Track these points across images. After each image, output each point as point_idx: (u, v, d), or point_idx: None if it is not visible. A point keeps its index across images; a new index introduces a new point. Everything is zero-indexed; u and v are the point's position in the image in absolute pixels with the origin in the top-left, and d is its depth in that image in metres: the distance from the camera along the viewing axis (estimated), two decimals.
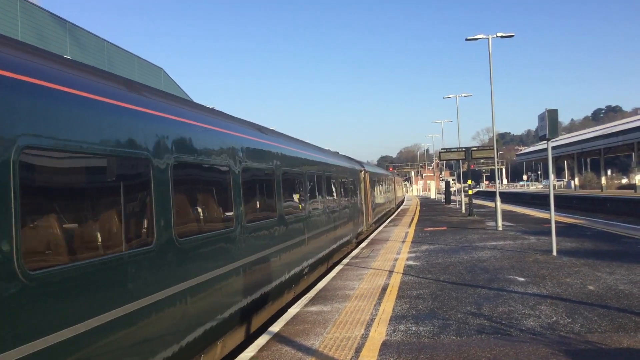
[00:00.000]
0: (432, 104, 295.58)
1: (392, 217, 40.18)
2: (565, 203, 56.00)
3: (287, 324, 9.38)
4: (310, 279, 14.78)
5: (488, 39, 26.68)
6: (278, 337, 8.55)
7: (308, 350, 7.74)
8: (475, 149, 34.39)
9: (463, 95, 46.21)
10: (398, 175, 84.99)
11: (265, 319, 10.69)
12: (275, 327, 9.17)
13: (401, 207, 55.86)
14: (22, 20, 24.14)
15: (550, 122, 14.82)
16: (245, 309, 9.00)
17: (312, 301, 11.12)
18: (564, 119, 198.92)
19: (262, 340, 8.46)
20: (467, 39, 27.46)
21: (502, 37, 26.91)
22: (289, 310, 10.48)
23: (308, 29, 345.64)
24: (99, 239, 5.38)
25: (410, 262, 15.57)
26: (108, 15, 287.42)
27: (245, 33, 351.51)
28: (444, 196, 62.36)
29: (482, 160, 75.29)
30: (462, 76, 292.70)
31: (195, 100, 23.02)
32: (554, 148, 75.38)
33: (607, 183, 75.41)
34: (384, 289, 11.83)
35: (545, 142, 15.49)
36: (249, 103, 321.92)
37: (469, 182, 35.22)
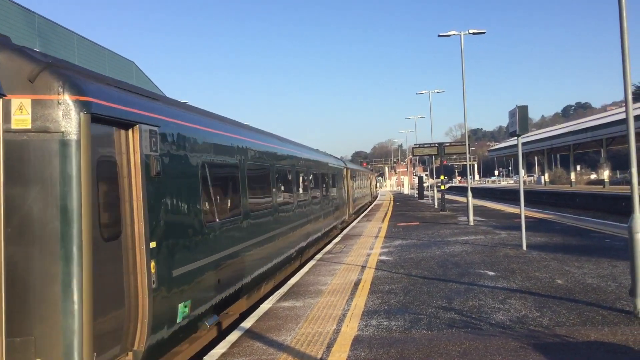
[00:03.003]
0: (405, 100, 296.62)
1: (367, 210, 43.52)
2: (535, 198, 56.79)
3: (259, 319, 9.35)
4: (313, 250, 19.33)
5: (460, 35, 26.86)
6: (250, 333, 8.51)
7: (280, 346, 7.73)
8: (447, 144, 34.70)
9: (436, 91, 46.54)
10: (372, 170, 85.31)
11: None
12: (247, 323, 9.13)
13: (375, 202, 56.11)
14: None
15: (520, 118, 14.99)
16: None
17: (285, 297, 11.09)
18: (534, 115, 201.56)
19: (233, 336, 8.42)
20: (439, 35, 27.61)
21: (474, 33, 27.14)
22: (261, 306, 10.45)
23: (278, 23, 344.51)
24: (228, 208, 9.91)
25: (383, 257, 15.64)
26: (74, 6, 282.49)
27: (216, 26, 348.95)
28: (417, 191, 62.84)
29: (454, 156, 75.85)
30: (435, 72, 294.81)
31: (168, 95, 22.80)
32: (524, 144, 76.43)
33: (577, 178, 76.67)
34: (357, 284, 11.86)
35: (516, 138, 15.66)
36: (220, 97, 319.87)
37: (442, 177, 35.50)
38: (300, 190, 17.00)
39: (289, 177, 15.48)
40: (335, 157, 30.86)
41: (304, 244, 16.70)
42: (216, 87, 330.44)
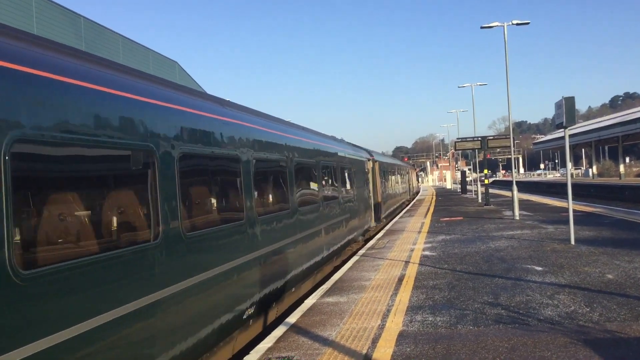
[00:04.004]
0: (447, 94, 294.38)
1: (407, 208, 39.20)
2: (583, 191, 55.45)
3: (304, 315, 9.40)
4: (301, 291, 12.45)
5: (503, 26, 26.42)
6: (295, 328, 8.57)
7: (325, 341, 7.76)
8: (491, 138, 34.17)
9: (478, 84, 45.96)
10: (413, 165, 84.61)
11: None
12: (292, 319, 9.19)
13: (417, 198, 55.70)
14: (37, 15, 24.30)
15: (567, 110, 14.66)
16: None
17: (329, 292, 11.13)
18: (581, 106, 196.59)
19: (279, 331, 8.49)
20: (482, 27, 27.22)
21: (517, 24, 26.65)
22: (305, 301, 10.50)
23: (320, 20, 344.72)
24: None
25: (427, 253, 15.52)
26: (117, 8, 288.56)
27: (256, 24, 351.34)
28: (459, 186, 62.10)
29: (498, 150, 74.70)
30: (477, 65, 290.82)
31: (209, 92, 23.00)
32: (571, 136, 74.33)
33: (626, 171, 74.61)
34: (400, 280, 11.81)
35: (563, 130, 15.32)
36: (261, 94, 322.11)
37: (485, 171, 34.99)
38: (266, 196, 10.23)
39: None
40: (355, 146, 23.50)
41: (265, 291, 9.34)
42: (259, 84, 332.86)
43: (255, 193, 9.12)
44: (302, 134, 13.65)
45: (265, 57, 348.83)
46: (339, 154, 17.16)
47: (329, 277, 13.10)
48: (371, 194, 23.21)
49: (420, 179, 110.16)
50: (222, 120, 8.18)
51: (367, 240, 20.65)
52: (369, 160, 23.49)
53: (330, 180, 15.56)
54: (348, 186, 18.01)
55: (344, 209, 16.67)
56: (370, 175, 23.36)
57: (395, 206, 35.57)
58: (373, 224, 23.38)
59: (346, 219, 16.93)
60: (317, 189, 13.73)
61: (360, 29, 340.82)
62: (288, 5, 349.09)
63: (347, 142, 22.21)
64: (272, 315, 10.18)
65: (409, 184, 54.75)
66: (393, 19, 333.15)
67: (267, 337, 8.30)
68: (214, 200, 7.91)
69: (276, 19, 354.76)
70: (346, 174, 17.99)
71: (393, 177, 35.97)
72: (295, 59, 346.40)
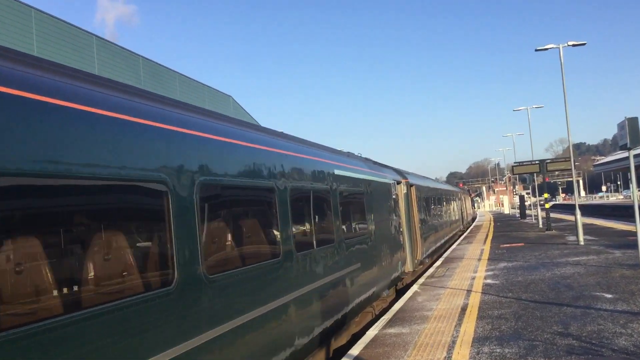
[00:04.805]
0: (501, 118, 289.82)
1: (457, 241, 33.23)
2: None
3: (366, 347, 9.28)
4: None
5: (559, 48, 25.96)
6: None
7: None
8: (549, 161, 33.42)
9: (534, 107, 45.12)
10: (468, 191, 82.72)
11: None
12: (355, 350, 9.08)
13: (473, 224, 54.63)
14: (102, 57, 25.37)
15: (631, 130, 14.22)
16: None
17: (390, 323, 10.97)
18: None
19: None
20: (536, 50, 26.83)
21: (573, 45, 26.15)
22: (367, 332, 10.38)
23: (371, 46, 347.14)
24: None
25: (489, 281, 15.15)
26: (173, 43, 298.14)
27: (308, 49, 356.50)
28: (518, 211, 60.62)
29: (557, 173, 72.99)
30: (531, 86, 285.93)
31: (261, 124, 23.41)
32: (635, 157, 71.76)
33: None
34: (464, 309, 11.54)
35: (626, 151, 14.86)
36: (316, 121, 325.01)
37: (545, 195, 34.11)
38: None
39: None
40: (377, 163, 16.95)
41: None
42: (312, 110, 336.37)
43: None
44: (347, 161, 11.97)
45: (314, 84, 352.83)
46: (336, 172, 10.81)
47: (390, 307, 12.90)
48: (404, 229, 17.48)
49: (476, 205, 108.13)
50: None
51: (398, 293, 16.08)
52: (398, 183, 17.55)
53: (316, 214, 9.52)
54: (358, 220, 12.40)
55: (346, 256, 10.63)
56: (402, 204, 17.82)
57: (442, 241, 28.43)
58: (408, 268, 17.63)
59: (353, 273, 10.95)
60: (277, 231, 7.73)
61: (414, 53, 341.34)
62: (333, 32, 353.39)
63: (363, 158, 15.80)
64: None
65: (462, 213, 47.49)
66: (446, 43, 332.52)
67: None
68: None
69: (324, 47, 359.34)
70: (352, 203, 12.03)
71: (438, 205, 29.33)
72: (348, 83, 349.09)
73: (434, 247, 24.38)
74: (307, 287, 8.26)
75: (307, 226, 9.11)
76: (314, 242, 9.06)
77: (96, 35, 25.70)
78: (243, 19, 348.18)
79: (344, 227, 10.75)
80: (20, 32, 20.50)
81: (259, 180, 7.26)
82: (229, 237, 6.69)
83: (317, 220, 9.51)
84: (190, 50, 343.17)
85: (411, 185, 19.68)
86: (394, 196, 16.45)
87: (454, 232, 36.63)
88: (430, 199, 25.66)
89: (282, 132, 9.81)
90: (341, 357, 8.85)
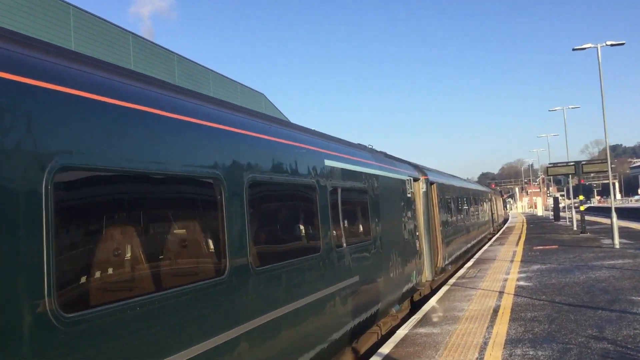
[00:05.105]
0: (535, 118, 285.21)
1: (487, 245, 31.23)
2: None
3: (397, 346, 9.24)
4: None
5: (597, 47, 25.44)
6: None
7: None
8: (585, 162, 32.78)
9: (570, 107, 44.30)
10: (500, 192, 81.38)
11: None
12: (385, 349, 9.06)
13: (505, 226, 53.93)
14: (137, 54, 25.74)
15: None
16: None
17: (421, 322, 10.91)
18: None
19: None
20: (574, 49, 26.34)
21: (612, 45, 25.60)
22: (397, 331, 10.34)
23: (406, 46, 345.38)
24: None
25: (522, 283, 14.94)
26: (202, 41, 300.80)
27: (338, 49, 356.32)
28: (552, 213, 59.64)
29: (592, 175, 71.53)
30: (566, 87, 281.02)
31: (293, 120, 23.40)
32: None
33: None
34: (495, 311, 11.41)
35: None
36: (344, 119, 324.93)
37: (580, 197, 33.50)
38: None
39: None
40: (388, 156, 14.29)
41: None
42: (336, 107, 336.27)
43: None
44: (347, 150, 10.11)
45: (349, 83, 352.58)
46: (327, 163, 8.59)
47: (419, 307, 12.83)
48: (421, 232, 15.35)
49: (508, 206, 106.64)
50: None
51: (413, 306, 14.30)
52: (415, 180, 15.33)
53: (294, 217, 7.74)
54: (357, 223, 10.24)
55: (337, 268, 8.35)
56: (419, 203, 15.55)
57: (468, 245, 25.95)
58: (426, 277, 15.57)
59: (347, 291, 8.68)
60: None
61: (446, 53, 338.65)
62: (370, 29, 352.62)
63: (369, 148, 13.05)
64: None
65: (492, 214, 44.08)
66: (483, 43, 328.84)
67: None
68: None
69: (357, 47, 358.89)
70: (349, 202, 9.73)
71: (465, 206, 26.89)
72: (379, 82, 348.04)
73: (458, 253, 22.06)
74: (267, 316, 6.03)
75: (279, 232, 7.26)
76: (287, 251, 6.98)
77: (132, 33, 26.07)
78: (270, 17, 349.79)
79: (334, 232, 8.44)
80: (60, 28, 20.90)
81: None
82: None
83: (295, 224, 7.66)
84: (223, 46, 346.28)
85: (432, 183, 17.16)
86: (409, 195, 14.14)
87: (482, 236, 34.35)
88: (456, 199, 23.34)
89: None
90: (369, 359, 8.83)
